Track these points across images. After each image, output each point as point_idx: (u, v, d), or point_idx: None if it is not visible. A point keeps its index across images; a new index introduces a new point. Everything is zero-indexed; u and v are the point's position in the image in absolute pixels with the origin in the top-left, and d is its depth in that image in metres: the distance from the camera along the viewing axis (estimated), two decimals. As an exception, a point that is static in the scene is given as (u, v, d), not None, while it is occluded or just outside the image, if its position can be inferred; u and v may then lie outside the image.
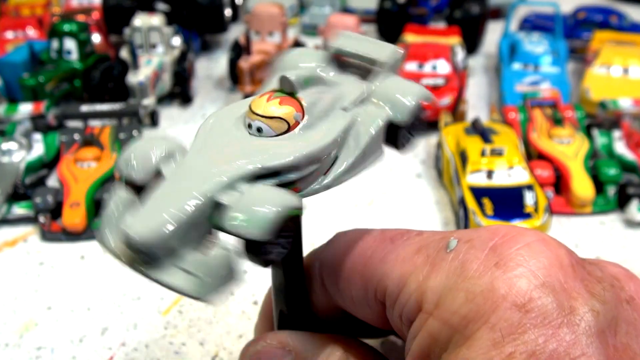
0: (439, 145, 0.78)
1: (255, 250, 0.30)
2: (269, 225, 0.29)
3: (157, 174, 0.32)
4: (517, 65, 0.97)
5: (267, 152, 0.32)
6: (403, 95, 0.35)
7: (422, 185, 0.77)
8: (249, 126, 0.33)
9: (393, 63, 0.37)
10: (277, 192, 0.30)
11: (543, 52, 0.98)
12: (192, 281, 0.30)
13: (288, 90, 0.34)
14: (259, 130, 0.33)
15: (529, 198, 0.66)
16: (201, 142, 0.33)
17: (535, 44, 0.99)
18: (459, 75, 0.91)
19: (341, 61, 0.38)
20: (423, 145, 0.85)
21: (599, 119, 0.83)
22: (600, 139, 0.79)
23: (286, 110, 0.33)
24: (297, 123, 0.33)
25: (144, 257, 0.29)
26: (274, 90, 0.34)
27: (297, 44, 0.99)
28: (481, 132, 0.74)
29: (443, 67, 0.91)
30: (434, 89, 0.87)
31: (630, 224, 0.69)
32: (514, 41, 1.02)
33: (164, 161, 0.32)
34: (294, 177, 0.32)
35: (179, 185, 0.31)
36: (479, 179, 0.69)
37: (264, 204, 0.30)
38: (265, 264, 0.31)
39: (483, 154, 0.71)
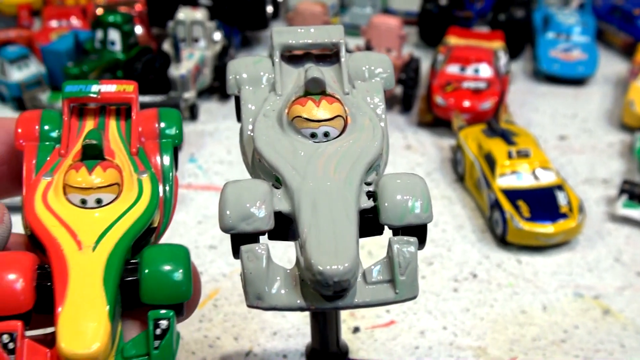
0: (458, 149, 0.78)
1: (424, 233, 0.31)
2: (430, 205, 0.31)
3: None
4: (551, 35, 1.08)
5: (356, 149, 0.32)
6: (384, 68, 0.37)
7: (461, 191, 0.76)
8: (313, 135, 0.33)
9: (344, 40, 0.37)
10: (403, 178, 0.31)
11: (574, 23, 1.09)
12: (388, 289, 0.30)
13: (319, 90, 0.34)
14: (326, 134, 0.33)
15: (561, 198, 0.67)
16: (285, 166, 0.32)
17: (567, 16, 1.11)
18: (501, 80, 0.90)
19: (287, 57, 0.38)
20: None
21: None
22: (638, 143, 0.80)
23: (339, 106, 0.33)
24: (348, 117, 0.34)
25: (339, 292, 0.29)
26: (306, 93, 0.34)
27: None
28: (501, 133, 0.74)
29: (485, 70, 0.90)
30: (475, 92, 0.86)
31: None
32: (548, 14, 1.12)
33: (271, 198, 0.31)
34: (379, 162, 0.33)
35: (324, 210, 0.30)
36: (509, 182, 0.69)
37: (415, 190, 0.31)
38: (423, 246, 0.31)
39: (510, 156, 0.70)
